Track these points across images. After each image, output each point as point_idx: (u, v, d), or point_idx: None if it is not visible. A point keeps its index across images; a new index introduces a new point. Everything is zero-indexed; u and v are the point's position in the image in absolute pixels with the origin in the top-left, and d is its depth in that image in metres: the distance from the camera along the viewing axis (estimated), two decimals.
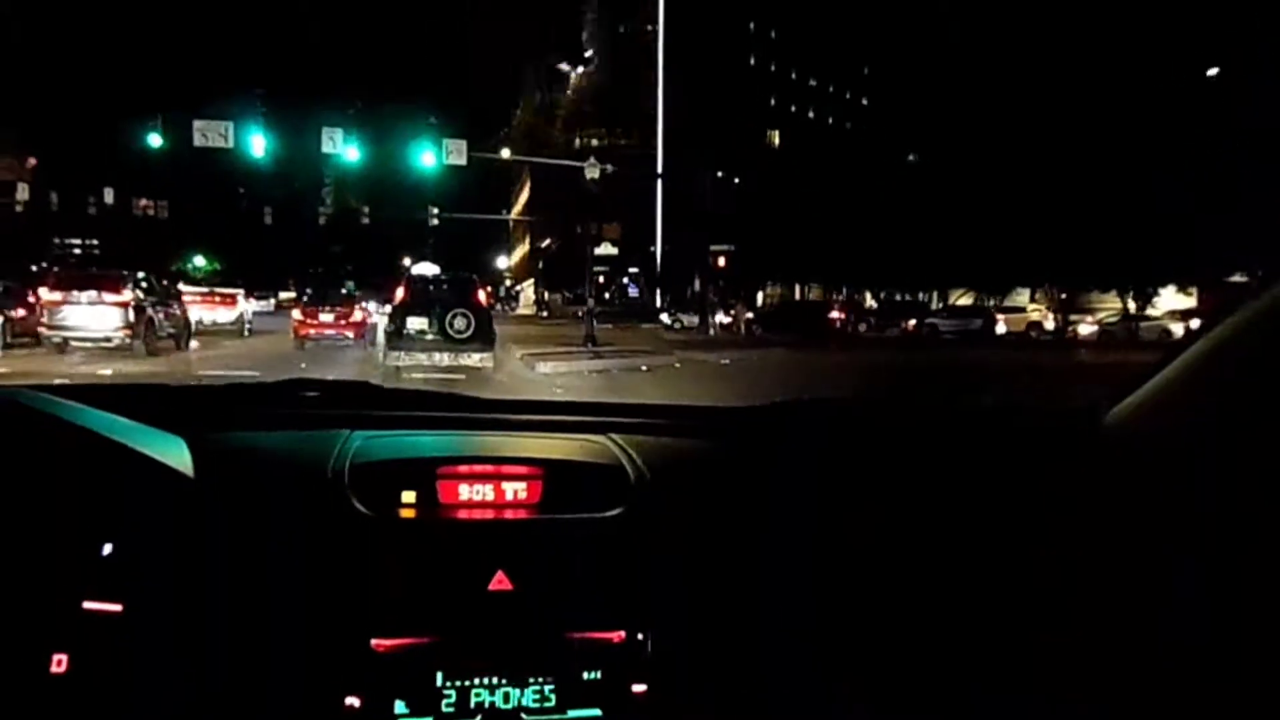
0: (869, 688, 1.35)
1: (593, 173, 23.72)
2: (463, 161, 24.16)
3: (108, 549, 1.13)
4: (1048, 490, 1.47)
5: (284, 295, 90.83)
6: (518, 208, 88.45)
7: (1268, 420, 1.32)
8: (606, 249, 45.60)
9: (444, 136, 24.75)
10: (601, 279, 48.04)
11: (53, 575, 1.10)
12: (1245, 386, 1.36)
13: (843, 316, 36.09)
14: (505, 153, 50.96)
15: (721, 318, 36.95)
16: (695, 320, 40.02)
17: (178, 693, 1.13)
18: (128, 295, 16.28)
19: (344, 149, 23.71)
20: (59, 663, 1.08)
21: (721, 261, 34.68)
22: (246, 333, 25.80)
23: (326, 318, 19.33)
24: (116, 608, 1.11)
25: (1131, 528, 1.39)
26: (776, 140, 60.42)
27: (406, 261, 65.90)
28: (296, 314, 19.80)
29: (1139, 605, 1.35)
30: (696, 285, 45.96)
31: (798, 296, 54.81)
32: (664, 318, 45.11)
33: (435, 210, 46.49)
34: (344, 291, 24.75)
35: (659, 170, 48.17)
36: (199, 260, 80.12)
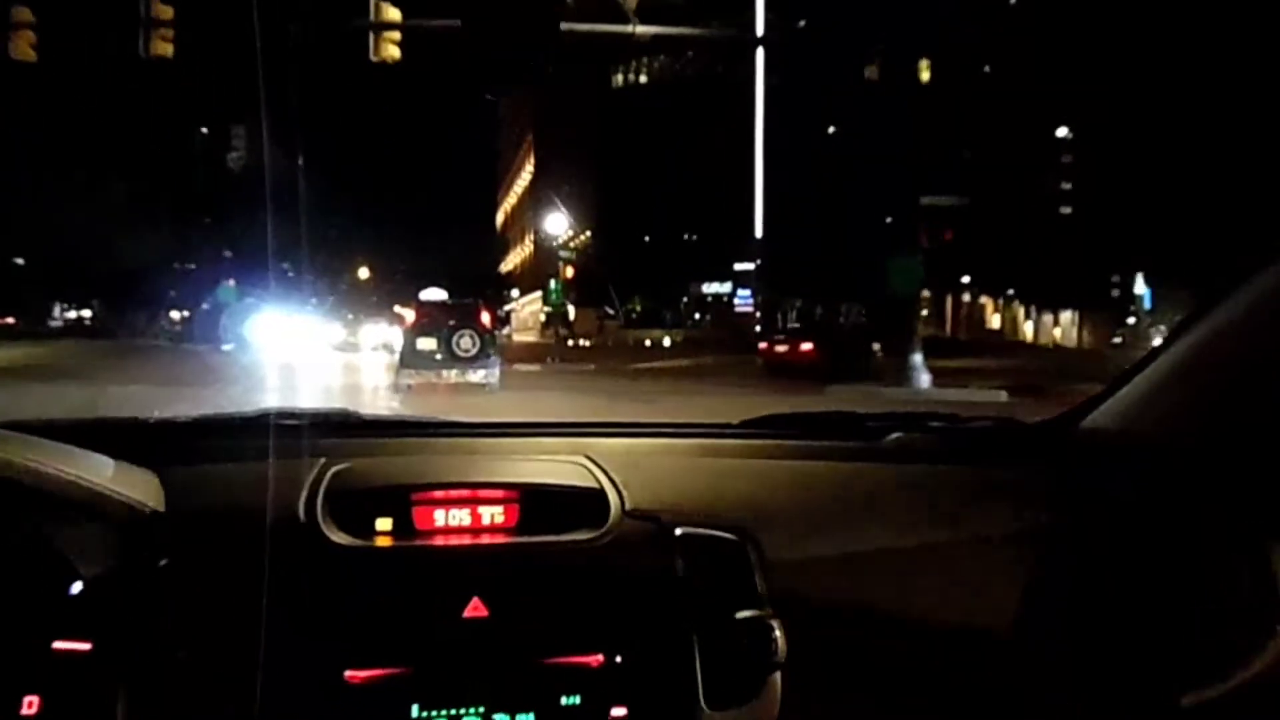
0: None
1: None
2: None
3: (77, 587, 1.14)
4: (1021, 495, 1.49)
5: (73, 315, 45.11)
6: (510, 201, 67.37)
7: (1238, 423, 1.37)
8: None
9: None
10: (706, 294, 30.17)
11: (22, 617, 1.12)
12: (1216, 391, 1.40)
13: None
14: None
15: None
16: None
17: None
18: None
19: None
20: (30, 705, 1.10)
21: None
22: None
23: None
24: (85, 646, 1.13)
25: (1107, 533, 1.42)
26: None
27: (364, 273, 50.72)
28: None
29: (1119, 606, 1.38)
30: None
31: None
32: None
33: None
34: (219, 297, 18.17)
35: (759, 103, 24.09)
36: None
